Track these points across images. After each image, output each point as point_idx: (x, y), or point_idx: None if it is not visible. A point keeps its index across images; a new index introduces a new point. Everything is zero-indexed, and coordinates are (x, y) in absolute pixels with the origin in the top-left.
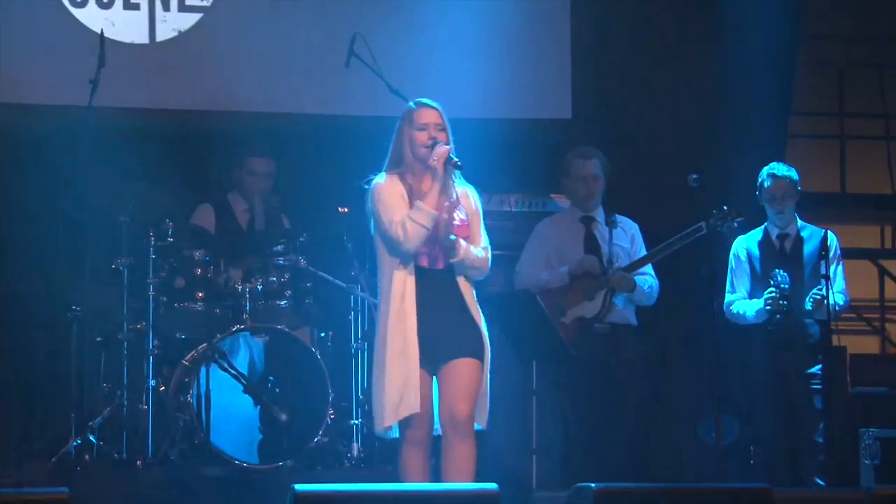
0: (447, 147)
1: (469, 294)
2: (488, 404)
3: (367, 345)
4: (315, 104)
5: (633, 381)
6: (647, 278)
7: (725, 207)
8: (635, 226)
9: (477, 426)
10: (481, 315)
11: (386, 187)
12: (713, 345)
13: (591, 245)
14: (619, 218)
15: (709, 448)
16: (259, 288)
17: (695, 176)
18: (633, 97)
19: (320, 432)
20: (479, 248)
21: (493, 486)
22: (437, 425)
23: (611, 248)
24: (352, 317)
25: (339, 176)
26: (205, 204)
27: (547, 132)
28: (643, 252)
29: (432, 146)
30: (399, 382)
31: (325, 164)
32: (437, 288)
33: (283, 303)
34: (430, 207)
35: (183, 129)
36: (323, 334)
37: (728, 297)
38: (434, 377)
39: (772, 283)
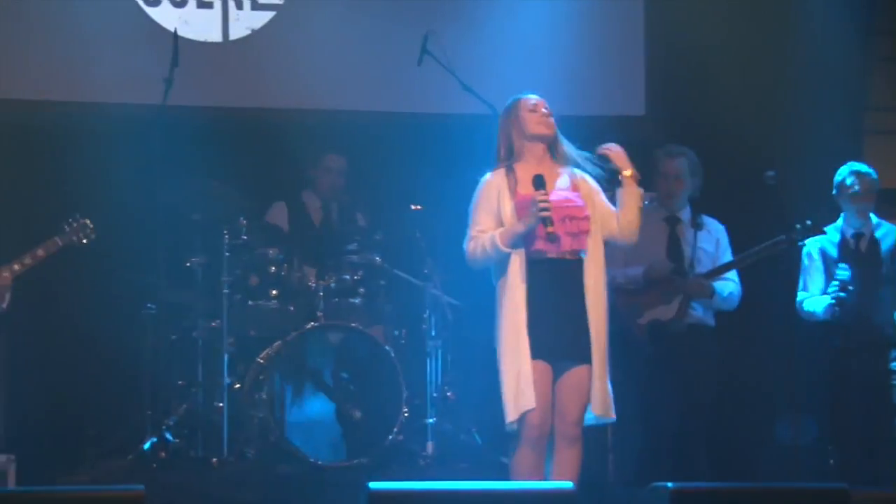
0: (548, 213)
1: (593, 284)
2: (610, 396)
3: (442, 343)
4: (388, 102)
5: (709, 380)
6: (728, 284)
7: (809, 222)
8: (722, 228)
9: (604, 419)
10: (604, 307)
11: (484, 190)
12: (790, 343)
13: (674, 246)
14: (706, 219)
15: (786, 447)
16: (333, 285)
17: (771, 173)
18: (707, 93)
19: (395, 430)
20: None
21: (568, 484)
22: None
23: (694, 251)
24: (426, 315)
25: (412, 174)
26: (279, 202)
27: (619, 129)
28: (728, 255)
29: (537, 184)
30: (515, 378)
31: (399, 161)
32: (552, 279)
33: (356, 300)
34: (504, 245)
35: (256, 127)
36: (397, 332)
37: (800, 296)
38: (553, 379)
39: (836, 279)
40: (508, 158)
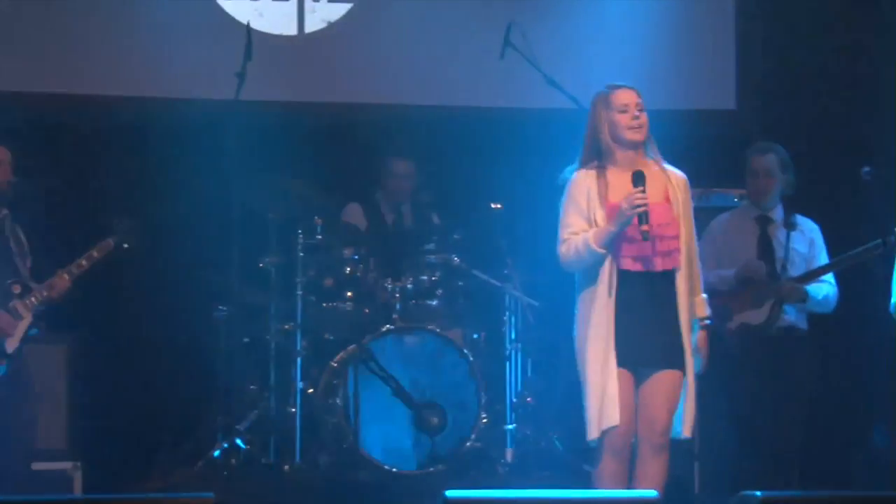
0: (643, 208)
1: (684, 300)
2: (694, 412)
3: (522, 346)
4: (469, 96)
5: (803, 386)
6: (824, 286)
7: None
8: (816, 228)
9: (681, 435)
10: (689, 321)
11: (575, 190)
12: (888, 348)
13: (765, 247)
14: (800, 219)
15: (882, 455)
16: (409, 287)
17: (867, 169)
18: (800, 86)
19: (473, 437)
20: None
21: (653, 493)
22: None
23: (787, 252)
24: (506, 317)
25: (492, 171)
26: (354, 203)
27: (710, 124)
28: (823, 256)
29: (636, 181)
30: (597, 393)
31: (479, 158)
32: (641, 290)
33: (434, 302)
34: (597, 245)
35: (332, 123)
36: (476, 335)
37: (894, 299)
38: (637, 385)
39: None
40: (597, 158)
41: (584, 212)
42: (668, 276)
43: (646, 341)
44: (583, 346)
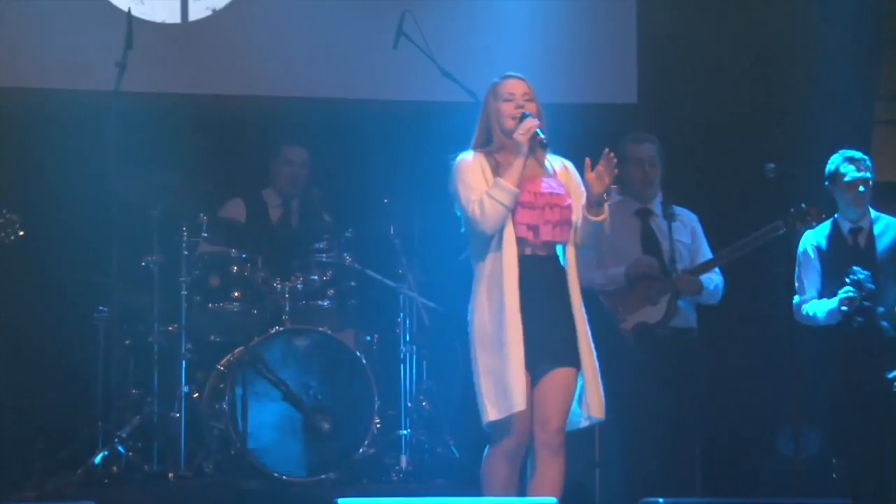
0: (536, 122)
1: (575, 284)
2: (603, 397)
3: (416, 348)
4: (360, 88)
5: (700, 386)
6: (713, 276)
7: (804, 206)
8: (695, 217)
9: (595, 419)
10: (583, 309)
11: (468, 164)
12: (791, 350)
13: (649, 241)
14: (678, 210)
15: (788, 461)
16: (300, 287)
17: (772, 165)
18: (703, 80)
19: (366, 443)
20: None
21: (552, 500)
22: None
23: (672, 244)
24: (400, 318)
25: (386, 166)
26: (235, 198)
27: (610, 118)
28: (705, 246)
29: (521, 119)
30: (501, 377)
31: (372, 153)
32: (540, 277)
33: (325, 303)
34: (510, 184)
35: (217, 116)
36: (369, 337)
37: (797, 298)
38: (533, 383)
39: (848, 280)
40: (486, 146)
41: (481, 179)
42: (557, 259)
43: (545, 336)
44: (483, 328)
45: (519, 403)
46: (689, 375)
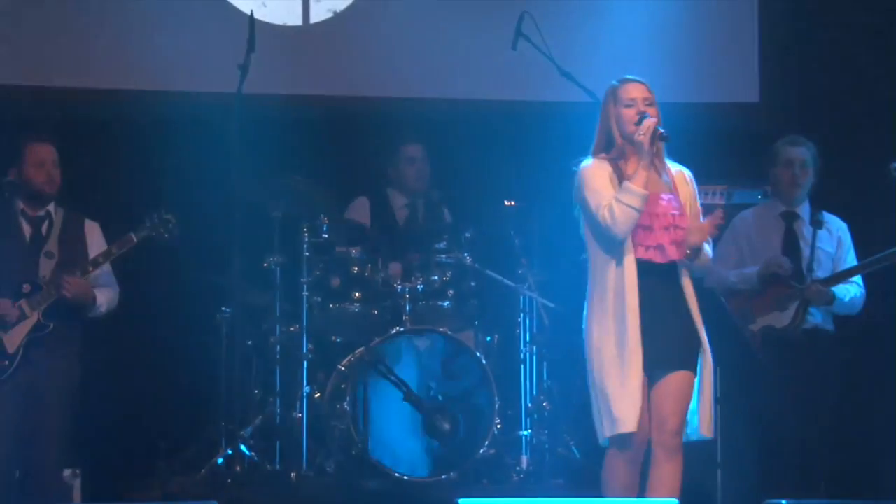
0: (654, 119)
1: (690, 291)
2: (711, 410)
3: (536, 349)
4: (480, 89)
5: (829, 389)
6: (851, 288)
7: None
8: (845, 227)
9: (702, 436)
10: (700, 315)
11: (593, 170)
12: None
13: (790, 245)
14: (827, 217)
15: None
16: (420, 287)
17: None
18: (826, 79)
19: (486, 443)
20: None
21: (674, 501)
22: None
23: (813, 251)
24: (520, 319)
25: (505, 167)
26: (361, 197)
27: (733, 117)
28: (851, 257)
29: (640, 121)
30: (616, 397)
31: (491, 153)
32: (657, 285)
33: (445, 303)
34: (638, 187)
35: (338, 117)
36: (489, 338)
37: None
38: (650, 386)
39: None
40: (608, 151)
41: (608, 184)
42: (677, 269)
43: (664, 342)
44: (601, 342)
45: (630, 425)
46: (817, 377)
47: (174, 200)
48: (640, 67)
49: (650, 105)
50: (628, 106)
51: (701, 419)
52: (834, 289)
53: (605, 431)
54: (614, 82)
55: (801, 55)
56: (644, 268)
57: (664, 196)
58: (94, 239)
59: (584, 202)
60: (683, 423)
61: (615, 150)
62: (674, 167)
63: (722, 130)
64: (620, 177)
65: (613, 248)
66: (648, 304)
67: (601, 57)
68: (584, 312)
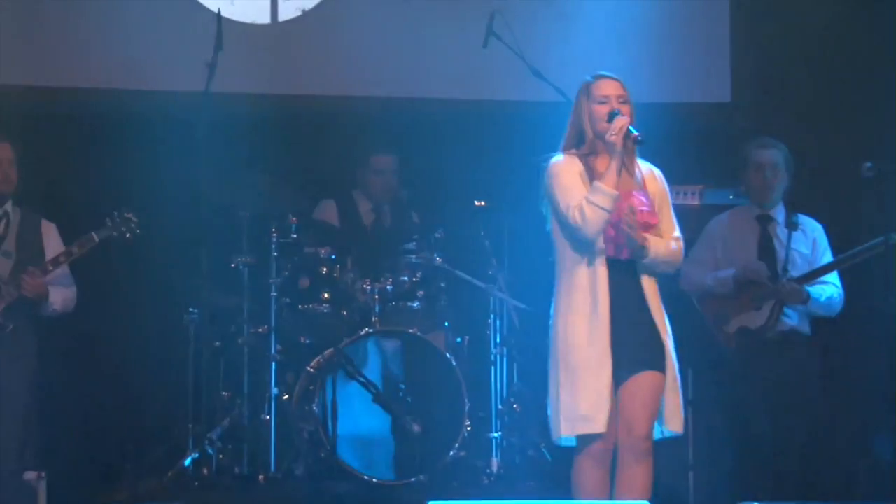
0: (626, 119)
1: (652, 291)
2: (682, 411)
3: (507, 350)
4: (449, 88)
5: (804, 392)
6: (828, 288)
7: None
8: (820, 228)
9: (673, 433)
10: (664, 314)
11: (563, 167)
12: (890, 353)
13: (766, 248)
14: (802, 218)
15: (885, 465)
16: (389, 288)
17: (869, 165)
18: (798, 78)
19: (456, 445)
20: (669, 240)
21: (645, 503)
22: None
23: (788, 253)
24: (490, 320)
25: (475, 166)
26: (328, 199)
27: (704, 117)
28: (827, 257)
29: (610, 118)
30: (585, 395)
31: (461, 153)
32: (622, 283)
33: (415, 304)
34: (608, 187)
35: (306, 116)
36: (459, 339)
37: None
38: (616, 386)
39: None
40: (578, 147)
41: (579, 182)
42: (638, 267)
43: (631, 342)
44: (564, 341)
45: (598, 425)
46: (792, 379)
47: (140, 199)
48: (611, 66)
49: (624, 103)
50: (601, 103)
51: (668, 416)
52: (809, 289)
53: (564, 430)
54: (588, 77)
55: (773, 55)
56: (611, 266)
57: (634, 194)
58: (51, 239)
59: (553, 199)
60: (653, 427)
61: (586, 145)
62: (644, 166)
63: (694, 130)
64: (591, 174)
65: (583, 246)
66: (616, 302)
67: (573, 56)
68: (552, 310)
